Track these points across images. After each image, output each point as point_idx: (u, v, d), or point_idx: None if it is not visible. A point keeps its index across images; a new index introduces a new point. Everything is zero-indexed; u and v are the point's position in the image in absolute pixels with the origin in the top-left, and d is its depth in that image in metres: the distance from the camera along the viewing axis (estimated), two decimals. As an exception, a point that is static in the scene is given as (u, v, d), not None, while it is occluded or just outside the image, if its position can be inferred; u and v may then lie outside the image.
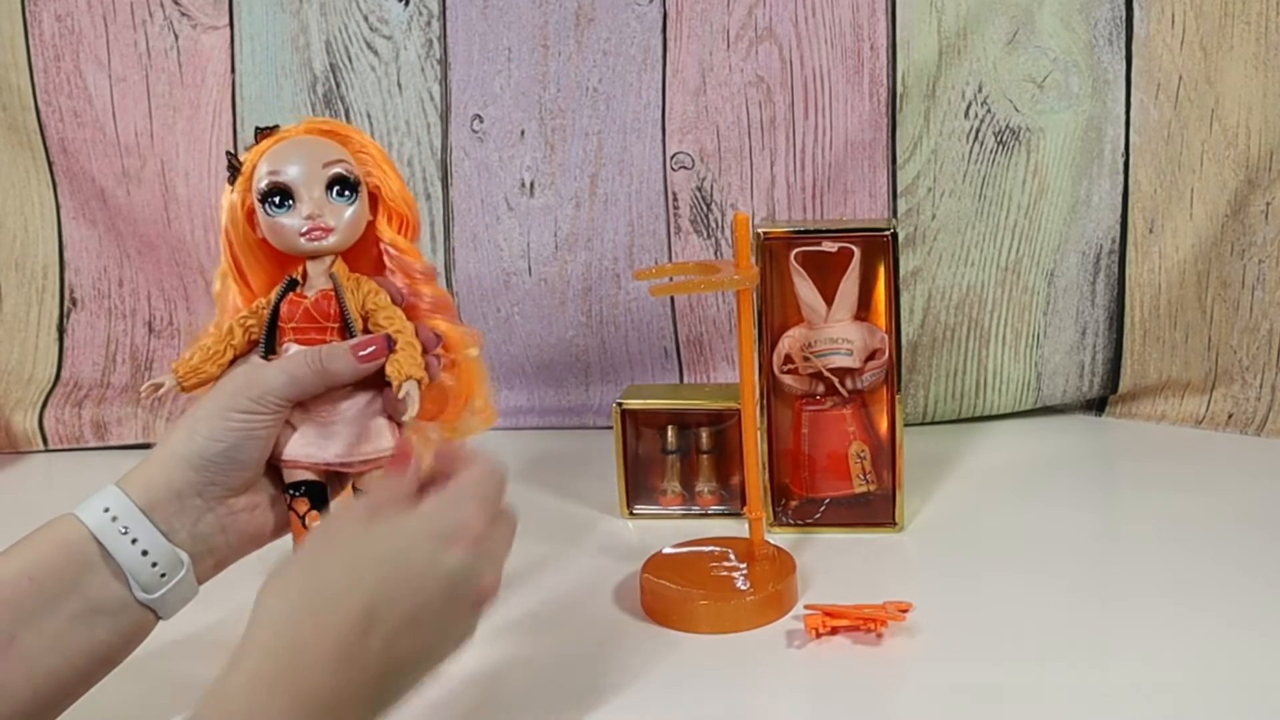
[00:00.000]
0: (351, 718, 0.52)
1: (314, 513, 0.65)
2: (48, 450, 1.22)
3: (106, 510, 0.60)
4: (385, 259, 0.70)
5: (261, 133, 0.68)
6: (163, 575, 0.61)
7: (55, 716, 0.60)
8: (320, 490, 0.67)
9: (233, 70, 1.18)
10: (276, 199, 0.65)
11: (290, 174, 0.65)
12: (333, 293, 0.67)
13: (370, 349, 0.65)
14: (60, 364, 1.25)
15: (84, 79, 1.19)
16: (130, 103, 1.19)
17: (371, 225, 0.69)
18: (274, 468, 0.67)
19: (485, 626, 0.82)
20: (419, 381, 0.65)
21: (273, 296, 0.68)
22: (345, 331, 0.66)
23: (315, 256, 0.67)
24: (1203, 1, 1.07)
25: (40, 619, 0.58)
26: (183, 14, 1.18)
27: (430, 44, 1.16)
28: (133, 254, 1.23)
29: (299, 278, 0.68)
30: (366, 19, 1.16)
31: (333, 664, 0.51)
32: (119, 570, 0.60)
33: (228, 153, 0.68)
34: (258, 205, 0.66)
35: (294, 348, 0.66)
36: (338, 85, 1.17)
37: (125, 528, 0.60)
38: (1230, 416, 1.14)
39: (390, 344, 0.65)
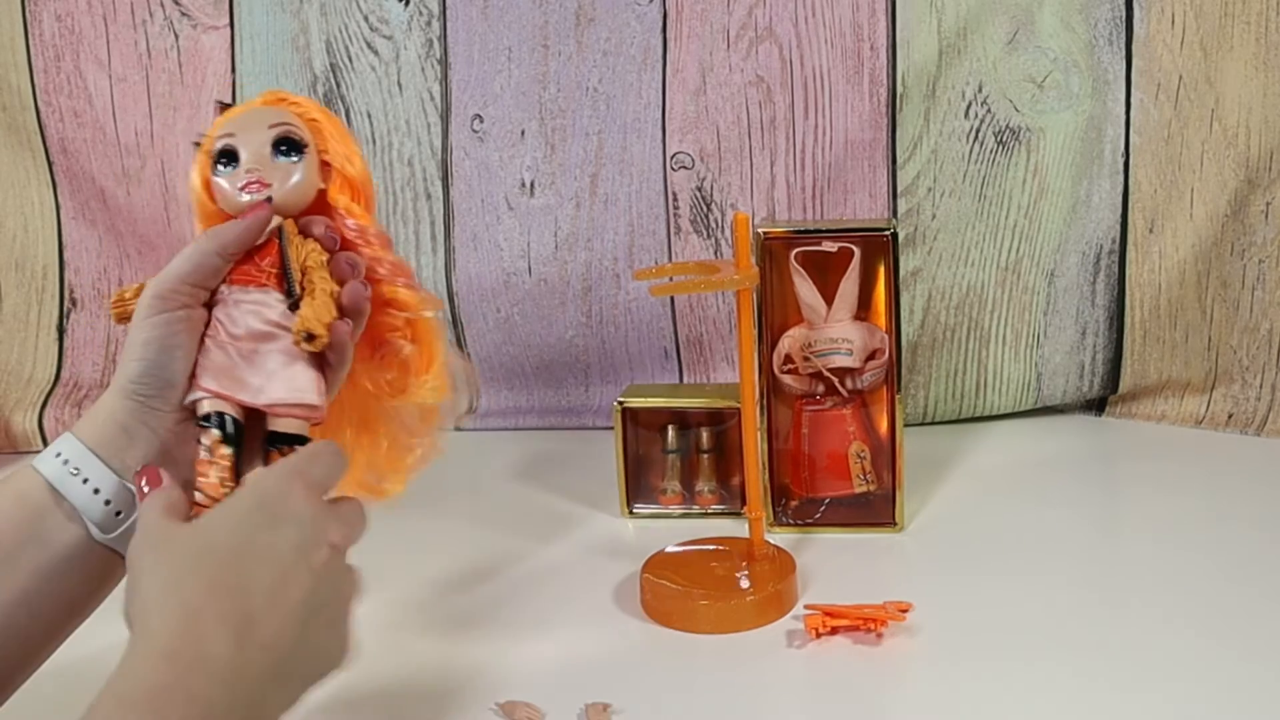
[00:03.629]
0: (252, 676, 0.51)
1: (224, 449, 0.62)
2: (48, 450, 1.22)
3: (58, 455, 0.59)
4: (340, 226, 0.68)
5: (221, 107, 0.68)
6: (118, 513, 0.60)
7: (28, 672, 0.60)
8: (238, 427, 0.63)
9: (233, 70, 1.18)
10: (224, 161, 0.65)
11: (236, 136, 0.65)
12: (277, 242, 0.65)
13: (253, 207, 0.64)
14: (60, 364, 1.25)
15: (84, 79, 1.19)
16: (130, 103, 1.19)
17: (324, 195, 0.67)
18: None
19: (485, 626, 0.82)
20: (316, 337, 0.63)
21: None
22: (283, 280, 0.65)
23: None
24: (1203, 1, 1.07)
25: (2, 575, 0.57)
26: (183, 14, 1.18)
27: (430, 44, 1.16)
28: (133, 254, 1.23)
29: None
30: (366, 19, 1.16)
31: (221, 677, 0.50)
32: (74, 513, 0.59)
33: (217, 101, 0.68)
34: (211, 173, 0.66)
35: (237, 291, 0.65)
36: (338, 85, 1.17)
37: (76, 469, 0.59)
38: (1230, 416, 1.14)
39: (267, 203, 0.64)
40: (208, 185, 0.67)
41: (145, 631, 0.51)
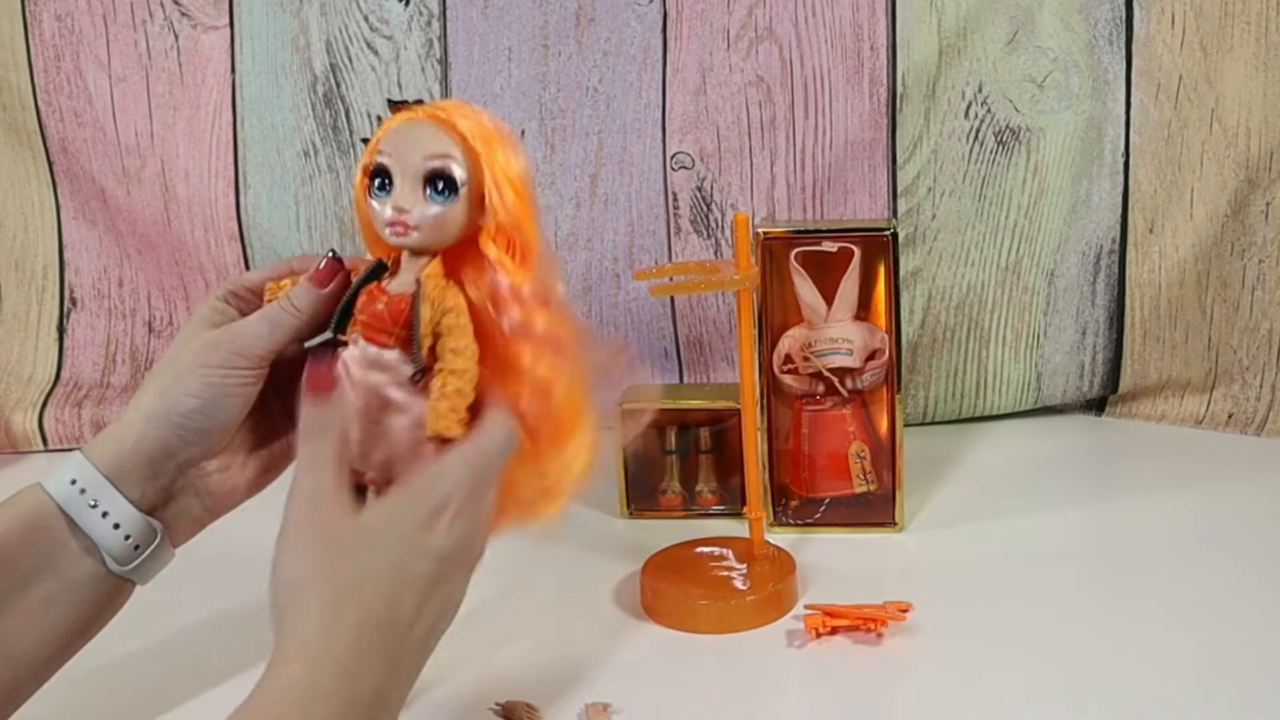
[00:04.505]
0: (390, 707, 0.54)
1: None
2: (48, 450, 1.21)
3: (74, 483, 0.58)
4: (490, 281, 0.62)
5: (393, 106, 0.65)
6: (136, 547, 0.59)
7: (29, 692, 0.59)
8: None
9: (233, 70, 1.18)
10: (378, 182, 0.60)
11: (392, 157, 0.60)
12: (410, 299, 0.60)
13: (321, 267, 0.61)
14: (60, 364, 1.25)
15: (84, 79, 1.19)
16: (130, 103, 1.19)
17: (477, 234, 0.62)
18: (250, 425, 0.64)
19: (485, 626, 0.82)
20: (449, 440, 0.58)
21: (356, 278, 0.62)
22: (409, 346, 0.60)
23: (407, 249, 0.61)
24: (1203, 1, 1.07)
25: (10, 602, 0.57)
26: (183, 14, 1.18)
27: (430, 44, 1.16)
28: (133, 254, 1.23)
29: (389, 263, 0.62)
30: (367, 19, 1.16)
31: (375, 664, 0.53)
32: (90, 545, 0.58)
33: (388, 100, 0.65)
34: (366, 191, 0.62)
35: (363, 346, 0.60)
36: (338, 85, 1.17)
37: (94, 501, 0.58)
38: (1230, 416, 1.14)
39: (339, 262, 0.61)
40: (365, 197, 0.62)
41: (301, 648, 0.52)
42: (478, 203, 0.61)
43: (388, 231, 0.60)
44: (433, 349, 0.60)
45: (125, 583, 0.61)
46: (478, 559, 0.59)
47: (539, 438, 0.63)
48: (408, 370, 0.60)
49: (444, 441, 0.58)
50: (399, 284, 0.61)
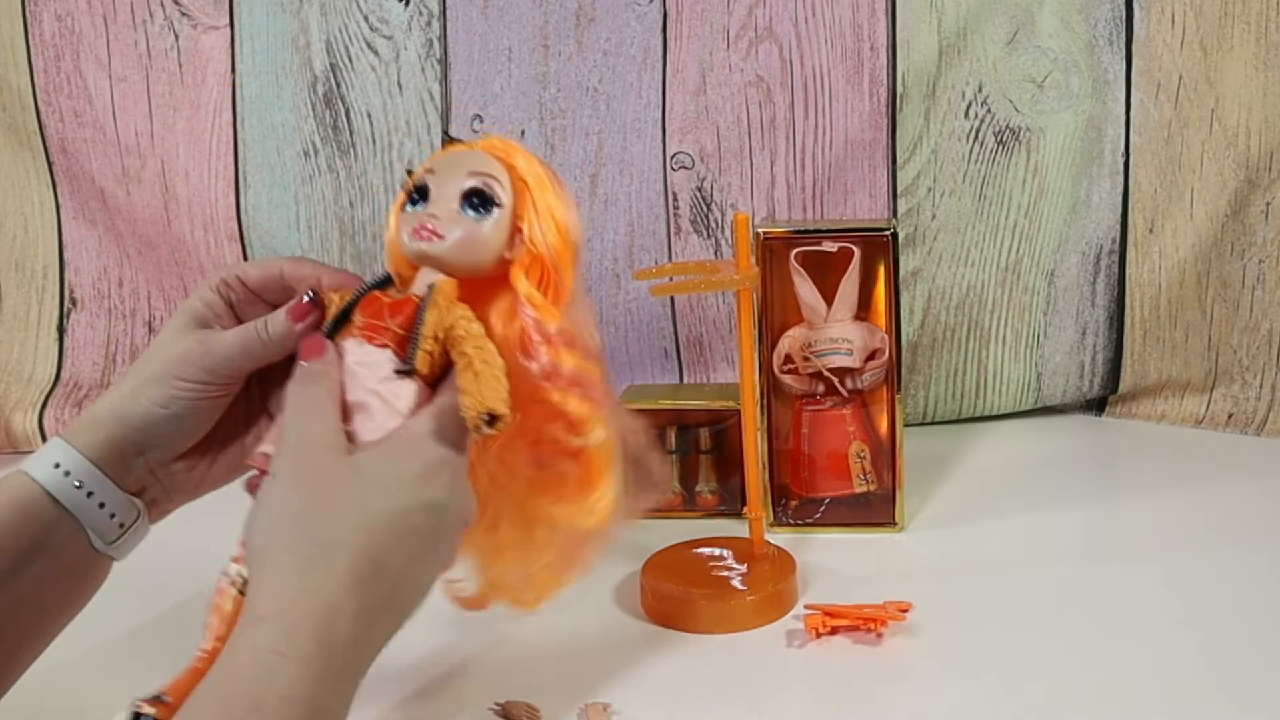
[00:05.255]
0: (366, 656, 0.52)
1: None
2: (48, 450, 1.21)
3: (57, 466, 0.59)
4: (520, 313, 0.59)
5: (446, 140, 0.63)
6: (121, 525, 0.61)
7: (22, 670, 0.61)
8: None
9: (233, 70, 1.18)
10: (415, 198, 0.59)
11: (435, 174, 0.59)
12: (418, 300, 0.58)
13: (301, 302, 0.59)
14: (60, 364, 1.25)
15: (84, 79, 1.19)
16: (130, 103, 1.19)
17: (508, 270, 0.59)
18: (219, 426, 0.63)
19: (485, 626, 0.82)
20: (498, 418, 0.56)
21: (361, 285, 0.61)
22: (404, 346, 0.57)
23: (428, 265, 0.59)
24: (1203, 1, 1.07)
25: (5, 583, 0.58)
26: (183, 14, 1.18)
27: (430, 44, 1.16)
28: (133, 254, 1.23)
29: (395, 277, 0.61)
30: (366, 19, 1.16)
31: (351, 615, 0.50)
32: (77, 526, 0.59)
33: (445, 134, 0.64)
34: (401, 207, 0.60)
35: (355, 345, 0.58)
36: (338, 85, 1.17)
37: (79, 482, 0.59)
38: (1230, 416, 1.14)
39: (315, 302, 0.59)
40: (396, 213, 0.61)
41: (280, 603, 0.49)
42: (513, 234, 0.59)
43: (409, 236, 0.58)
44: (433, 363, 0.58)
45: (106, 559, 0.62)
46: (468, 526, 0.58)
47: (565, 481, 0.62)
48: (393, 365, 0.57)
49: (493, 423, 0.55)
50: (410, 293, 0.59)
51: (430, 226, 0.58)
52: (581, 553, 0.66)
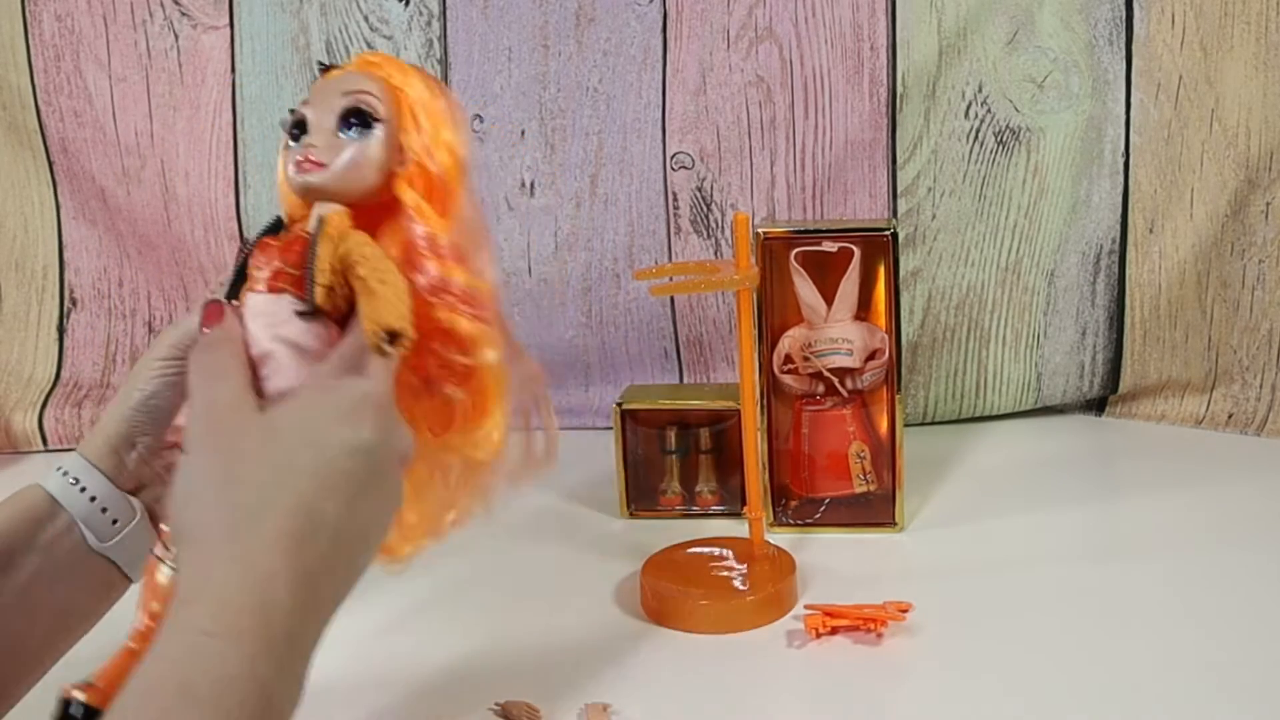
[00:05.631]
0: (313, 621, 0.48)
1: None
2: (48, 450, 1.21)
3: (59, 468, 0.60)
4: (406, 227, 0.56)
5: (323, 69, 0.59)
6: (115, 522, 0.60)
7: (27, 685, 0.59)
8: None
9: (233, 70, 1.18)
10: (295, 133, 0.56)
11: (310, 104, 0.56)
12: (308, 237, 0.54)
13: (205, 312, 0.55)
14: (60, 364, 1.25)
15: (84, 79, 1.19)
16: (130, 103, 1.19)
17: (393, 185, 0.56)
18: None
19: (485, 626, 0.82)
20: (399, 335, 0.52)
21: (251, 236, 0.57)
22: (303, 284, 0.54)
23: (317, 198, 0.56)
24: (1203, 1, 1.07)
25: (2, 579, 0.58)
26: (183, 14, 1.18)
27: (430, 44, 1.16)
28: (133, 254, 1.23)
29: (288, 220, 0.58)
30: (366, 19, 1.16)
31: (288, 580, 0.46)
32: (73, 523, 0.59)
33: (319, 63, 0.60)
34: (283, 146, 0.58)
35: (254, 298, 0.55)
36: (338, 85, 1.17)
37: (75, 479, 0.60)
38: (1230, 416, 1.14)
39: (217, 304, 0.54)
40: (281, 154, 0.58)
41: (209, 580, 0.46)
42: (398, 149, 0.56)
43: (292, 170, 0.55)
44: (336, 298, 0.54)
45: (112, 569, 0.61)
46: (407, 457, 0.53)
47: (451, 409, 0.58)
48: (296, 308, 0.54)
49: (394, 341, 0.52)
50: (299, 230, 0.56)
51: (312, 158, 0.55)
52: (468, 494, 0.62)
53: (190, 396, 0.52)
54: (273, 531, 0.47)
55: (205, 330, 0.54)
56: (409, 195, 0.56)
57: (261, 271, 0.55)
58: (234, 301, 0.55)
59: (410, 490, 0.57)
